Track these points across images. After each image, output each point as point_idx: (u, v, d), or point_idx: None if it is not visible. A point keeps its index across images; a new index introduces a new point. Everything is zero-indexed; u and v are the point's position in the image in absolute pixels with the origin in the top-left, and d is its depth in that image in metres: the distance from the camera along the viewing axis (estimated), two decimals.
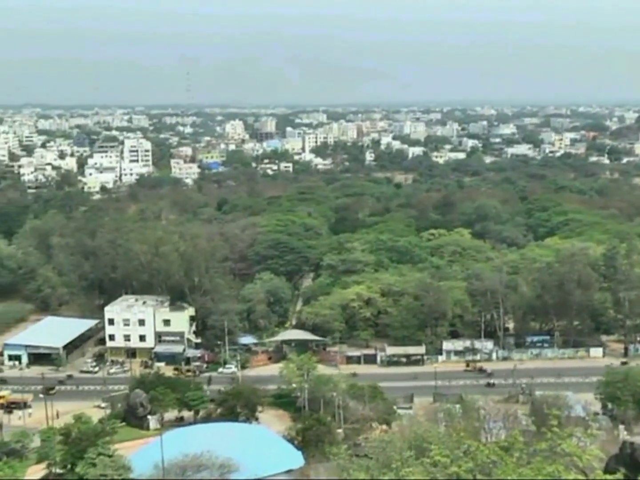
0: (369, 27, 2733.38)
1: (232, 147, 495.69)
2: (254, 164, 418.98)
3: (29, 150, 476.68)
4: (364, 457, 53.37)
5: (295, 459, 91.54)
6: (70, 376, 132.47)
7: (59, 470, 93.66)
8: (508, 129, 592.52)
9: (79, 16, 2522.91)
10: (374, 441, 63.70)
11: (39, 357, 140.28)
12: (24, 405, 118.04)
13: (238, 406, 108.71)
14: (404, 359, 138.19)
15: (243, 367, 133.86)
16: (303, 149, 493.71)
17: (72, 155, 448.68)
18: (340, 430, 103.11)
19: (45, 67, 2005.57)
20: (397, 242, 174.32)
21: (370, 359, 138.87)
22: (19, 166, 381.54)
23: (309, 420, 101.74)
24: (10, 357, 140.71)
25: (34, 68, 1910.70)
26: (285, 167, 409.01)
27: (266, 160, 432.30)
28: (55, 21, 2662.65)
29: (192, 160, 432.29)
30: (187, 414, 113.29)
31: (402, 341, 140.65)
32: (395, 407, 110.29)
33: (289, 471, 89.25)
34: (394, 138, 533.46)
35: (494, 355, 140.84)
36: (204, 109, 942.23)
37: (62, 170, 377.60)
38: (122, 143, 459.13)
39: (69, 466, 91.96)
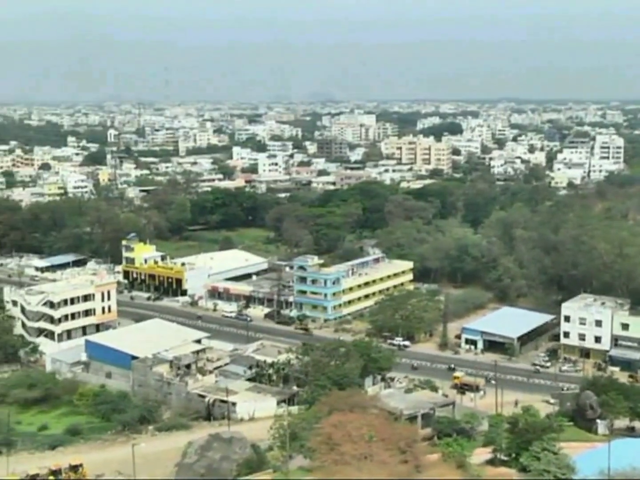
0: None
1: None
2: None
3: (500, 143, 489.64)
4: None
5: None
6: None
7: (503, 457, 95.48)
8: None
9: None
10: None
11: (493, 345, 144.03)
12: (476, 389, 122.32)
13: None
14: None
15: None
16: None
17: (541, 149, 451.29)
18: None
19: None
20: None
21: None
22: (490, 158, 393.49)
23: None
24: (467, 341, 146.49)
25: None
26: None
27: None
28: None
29: None
30: (638, 424, 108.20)
31: None
32: None
33: None
34: None
35: None
36: None
37: (530, 164, 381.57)
38: (594, 139, 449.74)
39: (513, 455, 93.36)
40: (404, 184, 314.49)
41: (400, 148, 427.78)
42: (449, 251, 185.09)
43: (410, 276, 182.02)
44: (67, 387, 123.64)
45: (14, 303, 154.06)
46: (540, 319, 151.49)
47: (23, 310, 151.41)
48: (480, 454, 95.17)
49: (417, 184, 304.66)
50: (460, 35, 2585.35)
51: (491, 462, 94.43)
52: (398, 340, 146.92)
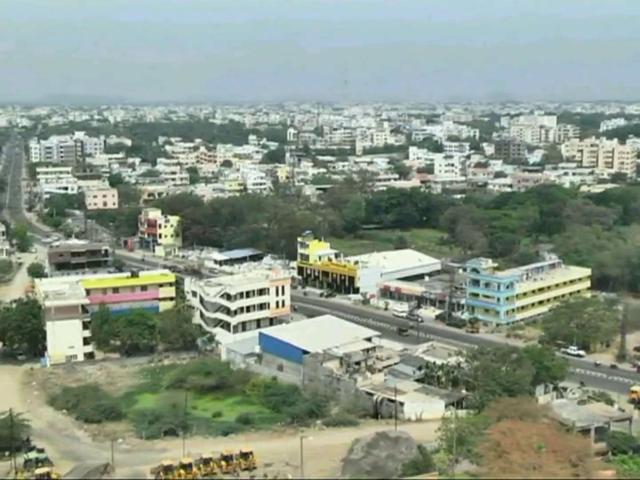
0: None
1: None
2: None
3: None
4: None
5: None
6: None
7: None
8: None
9: None
10: None
11: None
12: None
13: None
14: None
15: None
16: None
17: None
18: None
19: None
20: None
21: None
22: None
23: None
24: None
25: None
26: None
27: None
28: None
29: None
30: None
31: None
32: None
33: None
34: None
35: None
36: None
37: None
38: None
39: None
40: (584, 188, 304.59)
41: (581, 150, 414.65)
42: (630, 259, 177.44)
43: (587, 283, 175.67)
44: (241, 377, 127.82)
45: (194, 294, 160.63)
46: None
47: (202, 301, 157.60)
48: None
49: (598, 188, 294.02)
50: None
51: None
52: (572, 349, 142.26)
